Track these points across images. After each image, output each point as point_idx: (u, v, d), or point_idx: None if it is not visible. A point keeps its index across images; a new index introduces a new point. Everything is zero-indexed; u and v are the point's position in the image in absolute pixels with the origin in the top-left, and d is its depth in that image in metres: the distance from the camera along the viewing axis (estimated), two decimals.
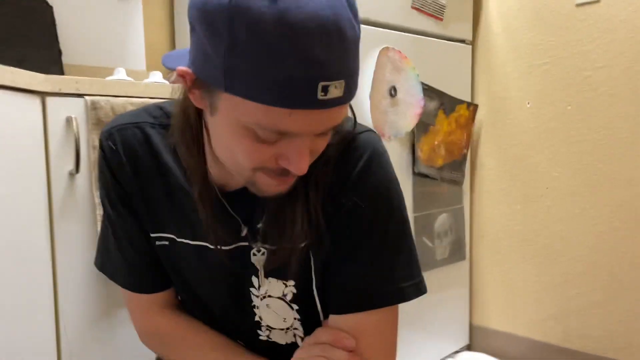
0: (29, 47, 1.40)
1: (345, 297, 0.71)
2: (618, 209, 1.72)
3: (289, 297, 0.75)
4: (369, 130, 0.73)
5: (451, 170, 1.91)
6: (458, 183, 1.97)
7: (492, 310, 2.07)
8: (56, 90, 1.10)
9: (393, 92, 1.62)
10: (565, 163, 1.83)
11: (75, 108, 1.13)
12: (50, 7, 1.47)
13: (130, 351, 1.21)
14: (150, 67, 1.68)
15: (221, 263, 0.73)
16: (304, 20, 0.50)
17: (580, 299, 1.82)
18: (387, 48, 1.59)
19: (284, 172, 0.61)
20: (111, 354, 1.20)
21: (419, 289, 0.73)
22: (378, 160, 0.70)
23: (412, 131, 1.72)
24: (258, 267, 0.73)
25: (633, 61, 1.65)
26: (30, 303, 1.05)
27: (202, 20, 0.54)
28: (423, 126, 1.76)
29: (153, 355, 0.91)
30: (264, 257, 0.72)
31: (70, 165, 1.13)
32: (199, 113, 0.66)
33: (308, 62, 0.51)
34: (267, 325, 0.78)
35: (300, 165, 0.58)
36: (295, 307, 0.76)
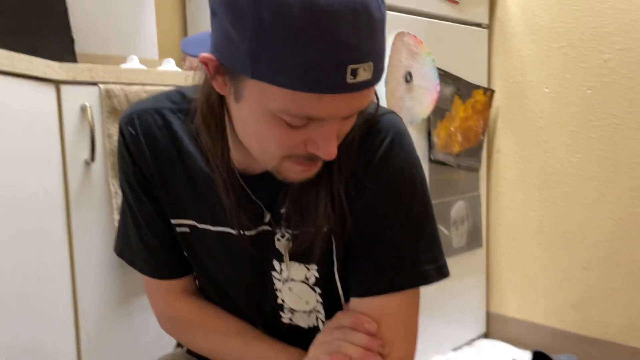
0: (41, 37, 1.40)
1: (367, 280, 0.71)
2: (638, 195, 1.69)
3: (311, 281, 0.75)
4: (392, 112, 0.72)
5: (468, 156, 1.89)
6: (475, 170, 1.95)
7: (509, 298, 2.05)
8: (70, 78, 1.09)
9: (409, 77, 1.60)
10: (584, 148, 1.79)
11: (89, 96, 1.13)
12: None
13: (149, 337, 1.22)
14: (163, 55, 1.68)
15: (243, 248, 0.73)
16: (331, 2, 0.49)
17: (600, 286, 1.79)
18: (402, 33, 1.57)
19: (312, 157, 0.60)
20: (130, 341, 1.21)
21: (442, 272, 0.72)
22: (401, 142, 0.70)
23: (428, 117, 1.70)
24: (283, 252, 0.72)
25: None
26: (48, 291, 1.05)
27: (226, 5, 0.53)
28: (439, 112, 1.73)
29: (172, 341, 0.91)
30: (288, 242, 0.72)
31: (86, 154, 1.13)
32: (221, 98, 0.65)
33: (336, 45, 0.50)
34: (290, 308, 0.77)
35: (329, 150, 0.58)
36: (318, 290, 0.75)
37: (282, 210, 0.71)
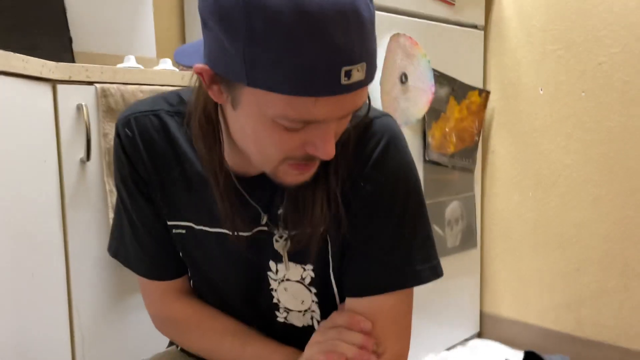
0: (39, 35, 1.40)
1: (362, 280, 0.72)
2: (632, 197, 1.70)
3: (307, 281, 0.75)
4: (386, 114, 0.73)
5: (462, 157, 1.90)
6: (469, 170, 1.96)
7: (503, 298, 2.07)
8: (66, 77, 1.10)
9: (404, 78, 1.60)
10: (579, 150, 1.80)
11: (85, 96, 1.13)
12: None
13: (143, 337, 1.22)
14: (160, 54, 1.68)
15: (240, 249, 0.73)
16: (321, 6, 0.50)
17: (593, 287, 1.81)
18: (397, 34, 1.58)
19: (310, 158, 0.61)
20: (124, 340, 1.22)
21: (436, 272, 0.74)
22: (395, 144, 0.71)
23: (423, 118, 1.71)
24: (281, 253, 0.73)
25: None
26: (43, 290, 1.06)
27: (217, 15, 0.54)
28: (434, 113, 1.74)
29: (166, 340, 0.91)
30: (286, 243, 0.72)
31: (82, 153, 1.13)
32: (217, 105, 0.66)
33: (329, 48, 0.51)
34: (285, 307, 0.78)
35: (327, 150, 0.59)
36: (314, 290, 0.76)
37: (279, 212, 0.72)
